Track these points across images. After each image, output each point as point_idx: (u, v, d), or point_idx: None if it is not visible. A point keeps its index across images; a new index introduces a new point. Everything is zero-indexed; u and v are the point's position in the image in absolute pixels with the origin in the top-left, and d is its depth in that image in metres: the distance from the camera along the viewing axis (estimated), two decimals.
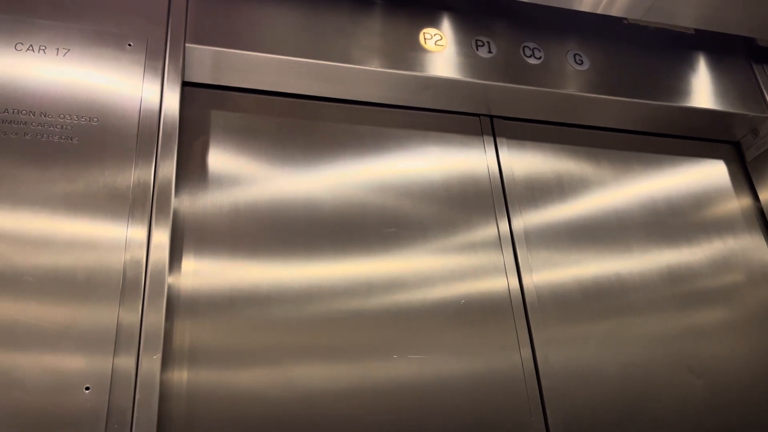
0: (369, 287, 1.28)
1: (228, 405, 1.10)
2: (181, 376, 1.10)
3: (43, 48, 1.17)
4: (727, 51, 1.77)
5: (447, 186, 1.45)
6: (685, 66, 1.70)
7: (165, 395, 1.07)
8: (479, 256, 1.39)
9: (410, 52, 1.45)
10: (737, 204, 1.70)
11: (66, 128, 1.11)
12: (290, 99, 1.44)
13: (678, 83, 1.65)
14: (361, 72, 1.40)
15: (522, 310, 1.36)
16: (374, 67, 1.40)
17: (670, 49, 1.72)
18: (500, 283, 1.38)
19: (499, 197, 1.48)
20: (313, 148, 1.39)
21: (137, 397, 0.97)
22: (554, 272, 1.43)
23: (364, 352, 1.22)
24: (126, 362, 0.98)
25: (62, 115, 1.12)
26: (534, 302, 1.38)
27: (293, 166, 1.36)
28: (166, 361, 1.09)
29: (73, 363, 0.96)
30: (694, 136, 1.76)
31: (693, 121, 1.69)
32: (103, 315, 1.00)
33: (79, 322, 0.98)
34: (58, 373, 0.95)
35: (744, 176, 1.75)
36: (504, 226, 1.45)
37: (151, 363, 1.00)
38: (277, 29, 1.37)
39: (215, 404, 1.10)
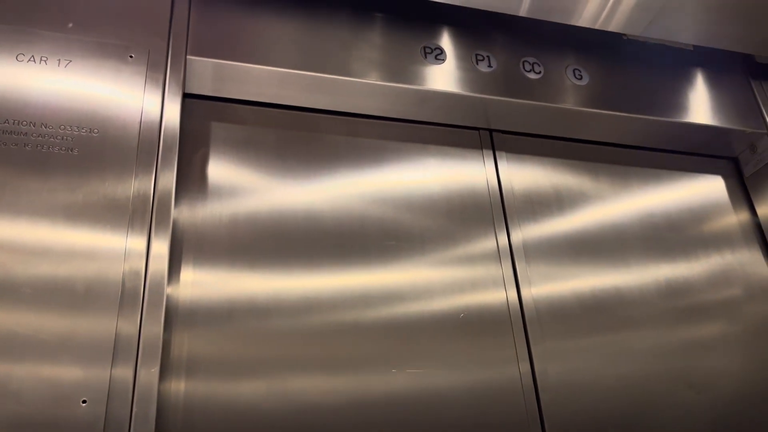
0: (368, 299, 1.28)
1: (225, 417, 1.10)
2: (178, 387, 1.10)
3: (45, 59, 1.17)
4: (726, 67, 1.78)
5: (446, 199, 1.45)
6: (684, 82, 1.71)
7: (162, 407, 1.07)
8: (478, 269, 1.39)
9: (410, 66, 1.45)
10: (735, 219, 1.70)
11: (66, 139, 1.11)
12: (290, 111, 1.44)
13: (677, 99, 1.66)
14: (361, 85, 1.41)
15: (521, 324, 1.36)
16: (374, 80, 1.41)
17: (669, 64, 1.73)
18: (499, 296, 1.38)
19: (498, 211, 1.48)
20: (312, 160, 1.39)
21: (134, 409, 0.96)
22: (553, 286, 1.44)
23: (362, 365, 1.22)
24: (123, 374, 0.98)
25: (63, 126, 1.12)
26: (533, 316, 1.38)
27: (293, 178, 1.36)
28: (164, 373, 1.09)
29: (70, 375, 0.95)
30: (693, 152, 1.76)
31: (691, 136, 1.70)
32: (102, 326, 1.00)
33: (78, 334, 0.98)
34: (55, 386, 0.94)
35: (742, 192, 1.75)
36: (503, 239, 1.45)
37: (149, 375, 0.99)
38: (278, 42, 1.38)
39: (213, 416, 1.09)
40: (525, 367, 1.32)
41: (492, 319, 1.35)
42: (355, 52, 1.43)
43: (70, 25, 1.18)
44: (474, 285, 1.37)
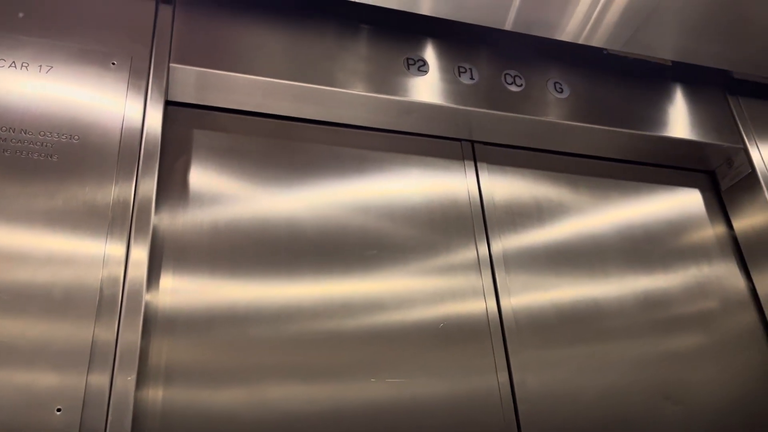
0: (349, 308, 1.28)
1: (203, 426, 1.10)
2: (156, 395, 1.09)
3: (26, 65, 1.17)
4: (703, 82, 1.81)
5: (428, 209, 1.46)
6: (663, 96, 1.73)
7: (139, 415, 1.06)
8: (458, 279, 1.40)
9: (394, 77, 1.47)
10: (712, 232, 1.72)
11: (46, 146, 1.11)
12: (274, 120, 1.44)
13: (655, 113, 1.69)
14: (345, 95, 1.42)
15: (500, 333, 1.37)
16: (358, 91, 1.42)
17: (648, 79, 1.75)
18: (479, 306, 1.39)
19: (479, 221, 1.49)
20: (295, 169, 1.40)
21: (110, 418, 0.96)
22: (532, 296, 1.45)
23: (342, 374, 1.22)
24: (99, 381, 0.97)
25: (42, 133, 1.12)
26: (512, 326, 1.39)
27: (275, 186, 1.36)
28: (142, 380, 1.09)
29: (45, 382, 0.95)
30: (671, 165, 1.79)
31: (670, 150, 1.72)
32: (78, 333, 0.99)
33: (54, 341, 0.97)
34: (29, 393, 0.93)
35: (719, 205, 1.78)
36: (483, 249, 1.46)
37: (126, 382, 0.99)
38: (263, 51, 1.38)
39: (190, 425, 1.09)
40: (503, 377, 1.33)
41: (471, 329, 1.35)
42: (339, 62, 1.44)
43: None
44: (454, 294, 1.38)
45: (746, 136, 1.74)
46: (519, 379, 1.33)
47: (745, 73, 1.78)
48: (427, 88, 1.48)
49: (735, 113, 1.78)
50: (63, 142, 1.12)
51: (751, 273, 1.68)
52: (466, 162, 1.57)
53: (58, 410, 0.93)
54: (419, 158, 1.53)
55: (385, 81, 1.45)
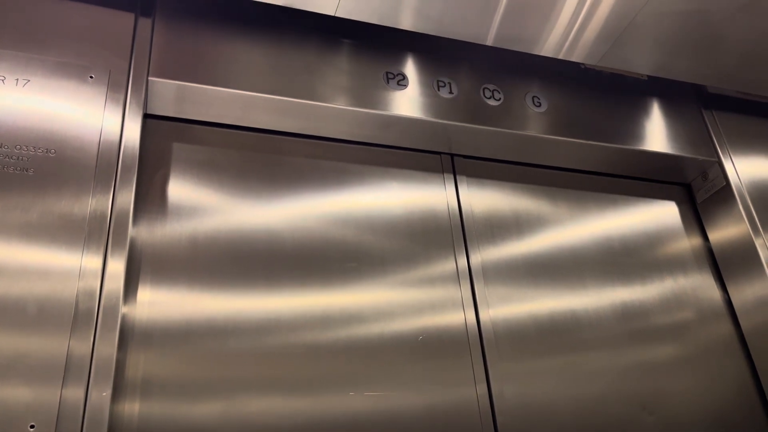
0: (328, 321, 1.28)
1: None
2: (132, 409, 1.09)
3: (2, 78, 1.16)
4: (679, 97, 1.84)
5: (408, 221, 1.47)
6: (639, 110, 1.76)
7: (115, 430, 1.05)
8: (438, 291, 1.41)
9: (374, 91, 1.48)
10: (688, 244, 1.75)
11: (22, 159, 1.10)
12: (253, 133, 1.45)
13: (632, 127, 1.71)
14: (325, 109, 1.42)
15: (478, 345, 1.38)
16: (339, 105, 1.42)
17: (624, 93, 1.78)
18: (458, 318, 1.39)
19: (458, 233, 1.51)
20: (275, 182, 1.40)
21: None
22: (511, 307, 1.46)
23: (321, 387, 1.22)
24: (74, 395, 0.97)
25: (19, 146, 1.11)
26: (490, 337, 1.40)
27: (255, 199, 1.36)
28: (118, 394, 1.08)
29: (18, 398, 0.94)
30: (648, 178, 1.81)
31: (646, 163, 1.75)
32: (53, 346, 0.98)
33: (28, 355, 0.96)
34: (2, 410, 0.92)
35: (694, 217, 1.80)
36: (462, 261, 1.47)
37: (101, 397, 0.98)
38: (243, 65, 1.39)
39: None
40: (482, 389, 1.33)
41: (450, 341, 1.36)
42: (320, 76, 1.44)
43: None
44: (433, 306, 1.38)
45: (720, 149, 1.77)
46: (497, 390, 1.34)
47: (720, 87, 1.81)
48: (407, 101, 1.49)
49: (709, 127, 1.81)
50: (39, 156, 1.12)
51: (726, 284, 1.70)
52: (445, 175, 1.58)
53: (32, 427, 0.92)
54: (399, 171, 1.54)
55: (365, 95, 1.46)
